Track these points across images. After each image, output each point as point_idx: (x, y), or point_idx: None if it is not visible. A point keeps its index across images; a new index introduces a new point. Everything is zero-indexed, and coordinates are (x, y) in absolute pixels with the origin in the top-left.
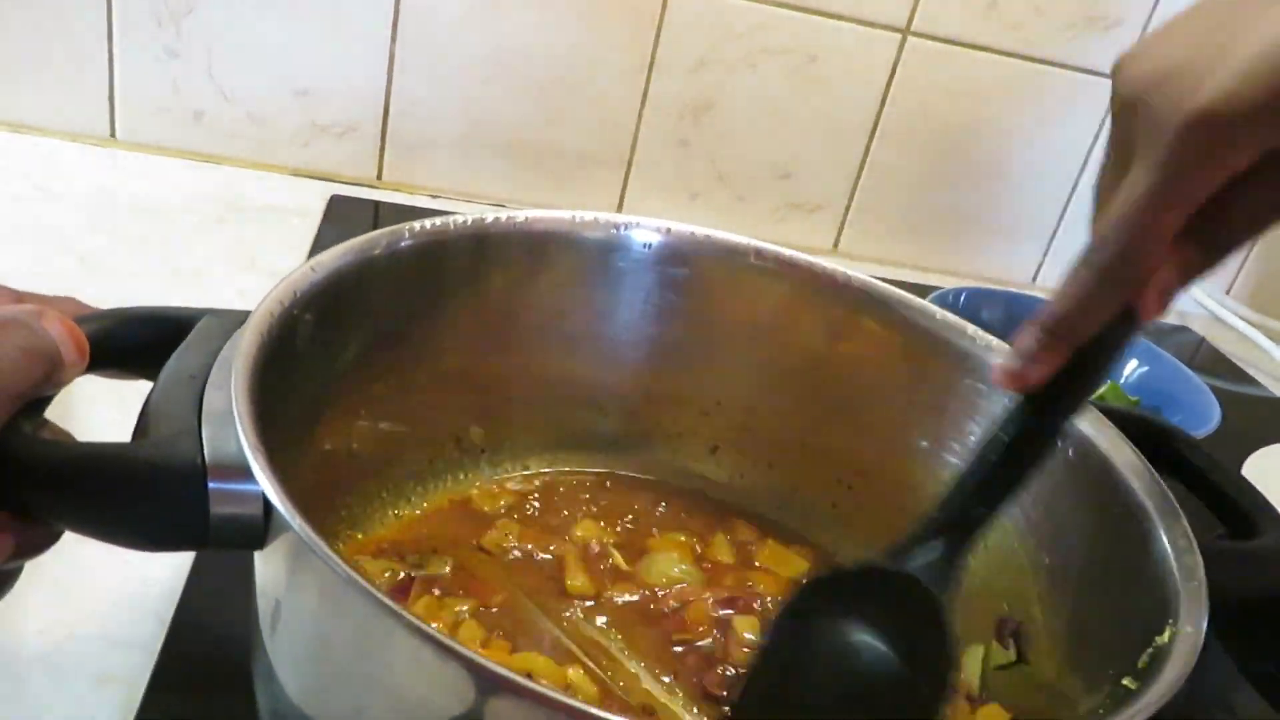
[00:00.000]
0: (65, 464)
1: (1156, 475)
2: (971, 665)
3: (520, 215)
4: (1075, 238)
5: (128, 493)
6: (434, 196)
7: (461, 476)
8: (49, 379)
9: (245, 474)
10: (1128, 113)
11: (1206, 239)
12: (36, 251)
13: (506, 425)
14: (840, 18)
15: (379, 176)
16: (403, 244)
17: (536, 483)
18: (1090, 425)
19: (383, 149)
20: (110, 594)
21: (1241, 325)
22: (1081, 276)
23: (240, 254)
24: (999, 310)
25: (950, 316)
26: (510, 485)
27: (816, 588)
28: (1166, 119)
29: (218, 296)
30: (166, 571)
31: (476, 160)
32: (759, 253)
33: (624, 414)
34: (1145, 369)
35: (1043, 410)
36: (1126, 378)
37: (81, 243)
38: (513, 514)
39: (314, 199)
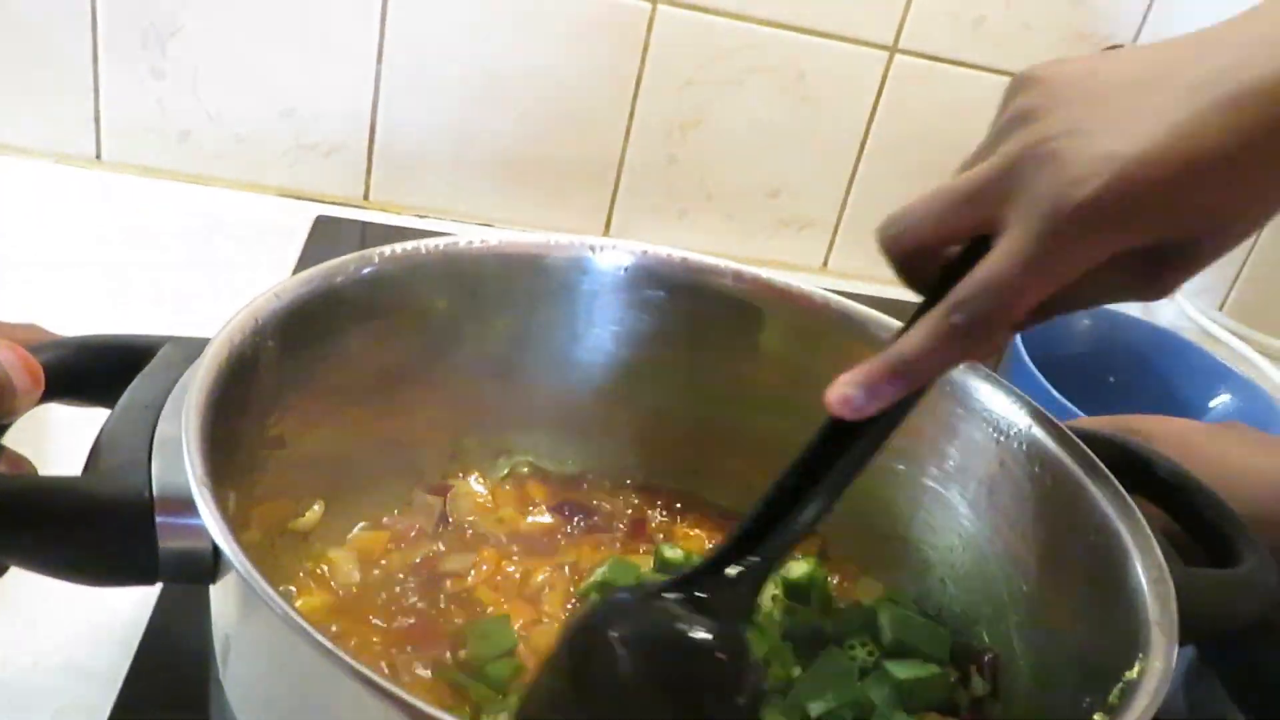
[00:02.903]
0: (6, 497)
1: (1132, 503)
2: None
3: (493, 238)
4: None
5: (73, 527)
6: (421, 216)
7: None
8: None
9: (193, 508)
10: (1021, 163)
11: (1046, 305)
12: (19, 274)
13: (480, 449)
14: (828, 36)
15: (366, 196)
16: (367, 270)
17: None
18: (1067, 452)
19: (370, 169)
20: (75, 623)
21: (1233, 341)
22: (942, 328)
23: (226, 275)
24: (1087, 323)
25: None
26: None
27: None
28: (1048, 203)
29: (202, 318)
30: (132, 602)
31: (464, 179)
32: (737, 275)
33: (604, 436)
34: (1238, 403)
35: (855, 434)
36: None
37: (66, 265)
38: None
39: (300, 219)
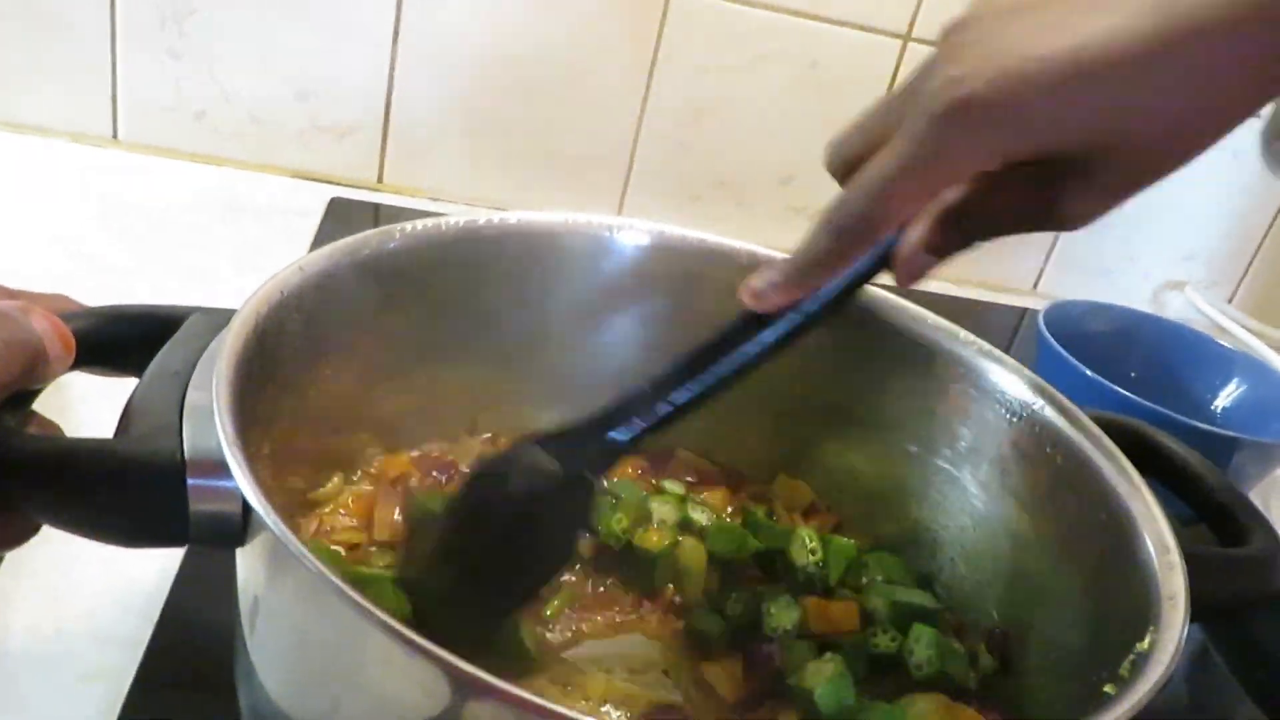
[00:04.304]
0: (43, 457)
1: (1142, 482)
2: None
3: (512, 217)
4: (1075, 245)
5: (106, 487)
6: (434, 199)
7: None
8: (33, 373)
9: (224, 471)
10: (927, 67)
11: (952, 227)
12: (38, 252)
13: (496, 427)
14: (841, 23)
15: (379, 179)
16: (391, 245)
17: None
18: (1078, 432)
19: (384, 151)
20: (98, 591)
21: (1243, 334)
22: (821, 233)
23: (240, 255)
24: (1106, 323)
25: (943, 321)
26: None
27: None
28: (923, 103)
29: (217, 297)
30: (154, 569)
31: (477, 163)
32: (753, 256)
33: None
34: (1251, 389)
35: (754, 328)
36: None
37: (83, 243)
38: None
39: (314, 201)
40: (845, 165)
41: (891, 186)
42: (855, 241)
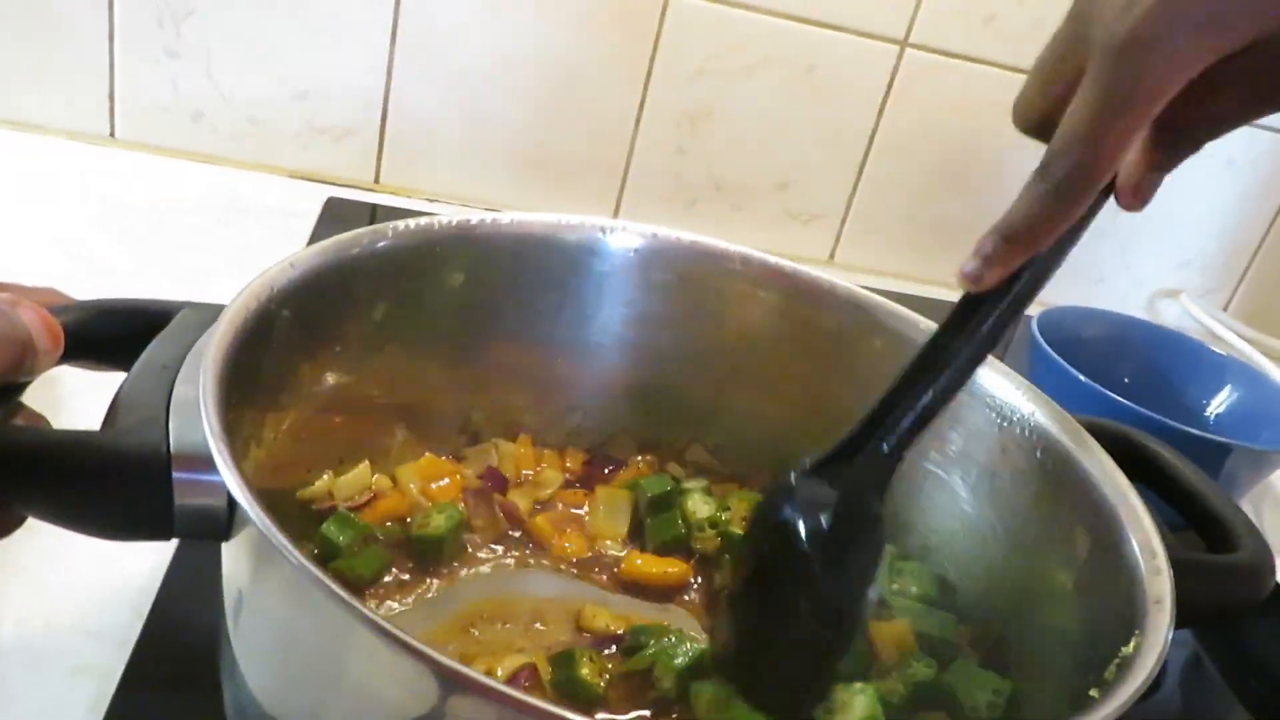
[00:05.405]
0: (29, 448)
1: (1130, 487)
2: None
3: (506, 217)
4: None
5: (91, 479)
6: (431, 200)
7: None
8: (21, 366)
9: (210, 465)
10: (1085, 8)
11: (1177, 137)
12: (34, 250)
13: (486, 426)
14: (839, 28)
15: (376, 180)
16: (383, 243)
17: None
18: (1069, 437)
19: (381, 152)
20: (87, 586)
21: (1238, 342)
22: (1038, 190)
23: (237, 255)
24: (1100, 329)
25: (934, 325)
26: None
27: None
28: (1103, 39)
29: (212, 296)
30: (144, 564)
31: (474, 165)
32: (745, 259)
33: (609, 418)
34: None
35: (980, 311)
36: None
37: (79, 242)
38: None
39: (311, 201)
40: (1036, 123)
41: (1100, 130)
42: (1078, 195)
